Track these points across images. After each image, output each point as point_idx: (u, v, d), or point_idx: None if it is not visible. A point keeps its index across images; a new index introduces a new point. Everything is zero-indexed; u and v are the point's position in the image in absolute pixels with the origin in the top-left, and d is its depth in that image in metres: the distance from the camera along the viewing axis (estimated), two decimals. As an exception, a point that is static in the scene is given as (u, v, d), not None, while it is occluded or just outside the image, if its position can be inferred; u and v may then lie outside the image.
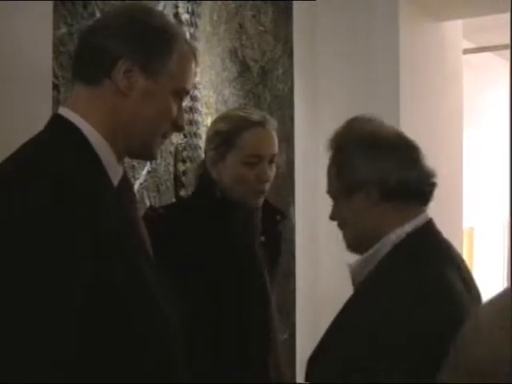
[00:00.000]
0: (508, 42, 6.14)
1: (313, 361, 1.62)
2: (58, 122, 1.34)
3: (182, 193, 2.76)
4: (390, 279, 1.49)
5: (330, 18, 3.43)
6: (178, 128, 1.45)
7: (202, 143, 2.89)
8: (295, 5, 3.51)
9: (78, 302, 1.15)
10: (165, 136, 1.45)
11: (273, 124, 2.16)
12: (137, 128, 1.36)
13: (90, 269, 1.16)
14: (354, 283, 1.66)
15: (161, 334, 1.30)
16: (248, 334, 2.02)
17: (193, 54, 1.44)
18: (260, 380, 2.05)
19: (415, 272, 1.47)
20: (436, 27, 3.74)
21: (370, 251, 1.58)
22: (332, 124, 3.52)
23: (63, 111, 1.35)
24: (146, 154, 1.45)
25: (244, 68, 3.20)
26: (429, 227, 1.59)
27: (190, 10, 2.83)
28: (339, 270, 3.43)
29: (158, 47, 1.36)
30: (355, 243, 1.65)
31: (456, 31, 4.04)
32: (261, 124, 2.10)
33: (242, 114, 2.14)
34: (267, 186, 2.14)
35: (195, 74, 1.47)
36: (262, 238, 2.17)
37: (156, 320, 1.29)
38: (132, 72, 1.33)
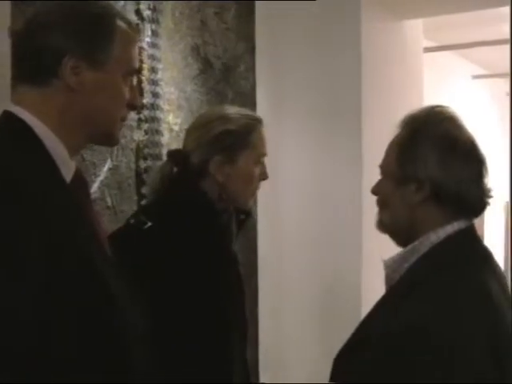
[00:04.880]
0: (467, 40, 6.23)
1: (341, 360, 1.59)
2: (7, 120, 1.31)
3: (144, 190, 2.73)
4: (429, 285, 1.46)
5: (292, 15, 3.43)
6: (133, 107, 1.45)
7: (163, 140, 2.88)
8: (258, 3, 3.51)
9: (29, 304, 1.13)
10: (124, 119, 1.44)
11: None
12: (94, 120, 1.35)
13: (40, 269, 1.14)
14: (387, 280, 1.63)
15: (118, 334, 1.28)
16: (229, 332, 1.99)
17: (133, 30, 1.42)
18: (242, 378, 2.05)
19: (456, 278, 1.45)
20: (397, 26, 3.77)
21: (408, 248, 1.55)
22: (294, 121, 3.54)
23: (14, 109, 1.32)
24: (109, 141, 1.45)
25: (206, 65, 3.19)
26: (469, 232, 1.56)
27: (151, 6, 2.81)
28: (303, 268, 3.46)
29: (99, 37, 1.34)
30: (390, 228, 1.63)
31: (417, 30, 4.08)
32: (262, 122, 2.09)
33: (241, 112, 2.09)
34: None
35: (140, 49, 1.44)
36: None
37: (113, 319, 1.27)
38: (79, 67, 1.31)
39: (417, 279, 1.50)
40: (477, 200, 1.55)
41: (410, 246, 1.55)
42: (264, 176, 2.08)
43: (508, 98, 9.87)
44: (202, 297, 1.89)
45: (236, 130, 2.00)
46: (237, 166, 2.01)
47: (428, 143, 1.53)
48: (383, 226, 1.64)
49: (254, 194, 2.11)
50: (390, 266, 1.60)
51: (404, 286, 1.52)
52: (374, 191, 1.67)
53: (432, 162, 1.52)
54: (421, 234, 1.54)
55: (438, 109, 1.61)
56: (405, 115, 1.64)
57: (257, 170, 2.04)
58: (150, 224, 1.88)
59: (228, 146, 1.99)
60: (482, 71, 8.42)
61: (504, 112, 9.10)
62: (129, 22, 1.41)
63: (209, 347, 1.90)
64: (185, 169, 2.01)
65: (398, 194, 1.57)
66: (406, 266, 1.54)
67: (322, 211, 3.36)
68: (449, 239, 1.52)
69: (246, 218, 2.16)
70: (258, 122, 2.07)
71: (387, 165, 1.62)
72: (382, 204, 1.63)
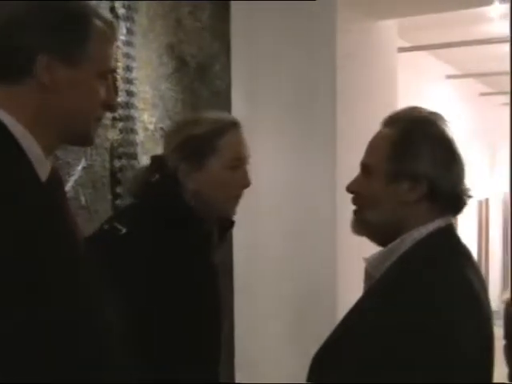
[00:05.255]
0: (441, 40, 6.27)
1: (320, 360, 1.57)
2: None
3: (119, 190, 2.72)
4: (411, 281, 1.46)
5: (268, 16, 3.43)
6: (109, 108, 1.43)
7: (138, 139, 2.86)
8: (233, 2, 3.50)
9: (1, 305, 1.11)
10: (99, 119, 1.42)
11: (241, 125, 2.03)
12: (69, 119, 1.33)
13: (14, 268, 1.13)
14: (368, 277, 1.61)
15: (93, 334, 1.27)
16: (201, 356, 1.92)
17: (110, 29, 1.40)
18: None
19: (442, 274, 1.45)
20: (372, 26, 3.79)
21: (390, 246, 1.54)
22: (269, 121, 3.53)
23: None
24: (84, 141, 1.43)
25: (181, 64, 3.18)
26: (450, 229, 1.57)
27: (126, 4, 2.79)
28: (278, 267, 3.46)
29: (75, 35, 1.32)
30: (375, 227, 1.59)
31: (391, 30, 4.10)
32: (236, 125, 1.98)
33: (213, 116, 1.98)
34: None
35: (117, 48, 1.43)
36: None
37: (89, 319, 1.27)
38: (52, 65, 1.30)
39: (401, 276, 1.50)
40: (463, 197, 1.57)
41: (391, 244, 1.54)
42: (244, 182, 1.97)
43: (481, 99, 9.97)
44: (174, 310, 1.82)
45: (202, 135, 1.91)
46: (205, 172, 1.91)
47: (426, 142, 1.54)
48: (367, 224, 1.60)
49: (232, 201, 1.98)
50: (371, 264, 1.59)
51: (387, 283, 1.52)
52: (352, 189, 1.63)
53: (430, 160, 1.52)
54: (404, 232, 1.53)
55: (424, 109, 1.62)
56: (389, 114, 1.64)
57: (230, 176, 1.93)
58: (124, 231, 1.81)
59: (193, 151, 1.91)
60: (455, 71, 8.50)
61: (476, 112, 9.20)
62: (107, 21, 1.40)
63: (178, 360, 1.84)
64: (161, 175, 1.93)
65: (389, 192, 1.55)
66: (388, 263, 1.54)
67: (296, 210, 3.37)
68: (431, 237, 1.52)
69: (229, 227, 2.07)
70: (230, 125, 1.96)
71: (375, 162, 1.59)
72: (369, 202, 1.59)
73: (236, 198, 1.99)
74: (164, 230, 1.85)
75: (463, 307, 1.40)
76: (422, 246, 1.52)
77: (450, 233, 1.57)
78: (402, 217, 1.54)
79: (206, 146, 1.91)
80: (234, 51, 3.51)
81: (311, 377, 1.56)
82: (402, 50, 5.08)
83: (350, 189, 1.64)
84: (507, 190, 12.58)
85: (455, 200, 1.57)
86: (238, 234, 3.33)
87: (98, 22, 1.36)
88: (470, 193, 1.59)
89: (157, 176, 1.93)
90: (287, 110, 3.41)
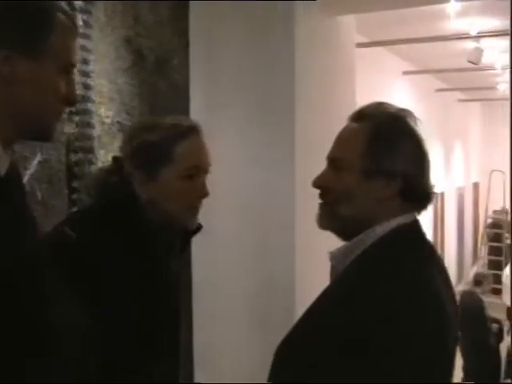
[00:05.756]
0: (399, 37, 6.33)
1: (280, 357, 1.55)
2: None
3: (75, 184, 2.69)
4: (371, 277, 1.46)
5: (227, 12, 3.42)
6: (70, 103, 1.41)
7: (95, 133, 2.83)
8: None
9: None
10: (59, 114, 1.40)
11: (202, 130, 1.90)
12: (28, 113, 1.32)
13: None
14: (333, 271, 1.60)
15: (50, 332, 1.26)
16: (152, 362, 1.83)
17: (73, 24, 1.39)
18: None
19: (405, 269, 1.46)
20: (330, 22, 3.80)
21: (355, 240, 1.54)
22: (228, 116, 3.52)
23: None
24: (43, 136, 1.41)
25: (139, 57, 3.15)
26: (415, 225, 1.58)
27: (83, -4, 2.76)
28: (236, 264, 3.46)
29: (36, 28, 1.31)
30: (345, 223, 1.57)
31: (350, 26, 4.12)
32: (195, 131, 1.85)
33: (171, 121, 1.85)
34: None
35: (78, 45, 1.41)
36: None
37: (46, 318, 1.25)
38: (13, 58, 1.28)
39: (363, 270, 1.50)
40: (429, 195, 1.59)
41: (356, 238, 1.54)
42: (202, 192, 1.86)
43: (437, 94, 10.10)
44: (129, 316, 1.74)
45: (156, 142, 1.79)
46: (160, 182, 1.80)
47: (401, 139, 1.55)
48: (337, 219, 1.57)
49: (190, 212, 1.87)
50: (336, 257, 1.59)
51: (350, 277, 1.52)
52: (320, 184, 1.60)
53: (404, 157, 1.53)
54: (370, 227, 1.54)
55: (391, 105, 1.63)
56: (357, 109, 1.63)
57: (186, 186, 1.82)
58: (75, 236, 1.71)
59: (147, 160, 1.80)
60: (412, 67, 8.60)
61: (431, 107, 9.32)
62: (69, 16, 1.38)
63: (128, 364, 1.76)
64: (119, 178, 1.83)
65: (363, 187, 1.54)
66: (352, 257, 1.54)
67: (255, 207, 3.37)
68: (394, 232, 1.53)
69: (195, 232, 1.98)
70: (187, 131, 1.84)
71: (348, 157, 1.56)
72: (340, 197, 1.56)
73: (194, 208, 1.87)
74: (115, 233, 1.75)
75: (421, 305, 1.41)
76: (385, 242, 1.52)
77: (414, 229, 1.57)
78: (373, 212, 1.54)
79: (161, 155, 1.79)
80: (192, 46, 3.49)
81: (272, 376, 1.54)
82: (360, 45, 5.11)
83: (317, 183, 1.61)
84: (461, 184, 12.78)
85: (424, 196, 1.58)
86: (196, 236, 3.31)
87: (60, 17, 1.35)
88: (435, 189, 1.60)
89: (114, 179, 1.84)
90: (245, 106, 3.41)
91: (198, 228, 1.97)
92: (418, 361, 1.37)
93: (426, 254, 1.56)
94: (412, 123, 1.59)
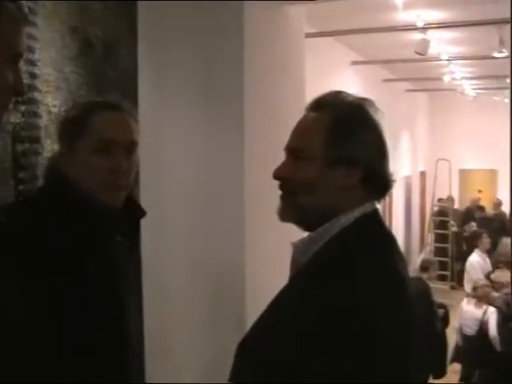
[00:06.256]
0: (347, 27, 6.38)
1: (240, 355, 1.53)
2: None
3: (22, 175, 2.64)
4: (345, 266, 1.45)
5: (175, 1, 3.39)
6: (18, 93, 1.38)
7: (41, 122, 2.79)
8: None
9: None
10: (6, 105, 1.37)
11: (130, 110, 1.92)
12: None
13: None
14: (294, 262, 1.59)
15: None
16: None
17: (21, 12, 1.36)
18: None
19: (370, 258, 1.46)
20: (279, 11, 3.80)
21: (319, 230, 1.53)
22: (177, 105, 3.50)
23: None
24: None
25: (86, 45, 3.10)
26: (375, 214, 1.57)
27: (28, -17, 2.70)
28: (187, 255, 3.45)
29: None
30: (307, 214, 1.55)
31: (299, 16, 4.12)
32: (114, 107, 1.86)
33: (94, 99, 1.92)
34: (126, 180, 1.87)
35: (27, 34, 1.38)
36: (118, 238, 1.91)
37: None
38: None
39: (328, 261, 1.49)
40: (389, 183, 1.59)
41: (321, 228, 1.53)
42: (117, 167, 1.81)
43: (385, 84, 10.21)
44: (66, 306, 1.68)
45: (74, 116, 1.83)
46: (76, 156, 1.81)
47: (362, 128, 1.55)
48: (299, 210, 1.56)
49: (108, 189, 1.83)
50: (299, 248, 1.57)
51: (314, 268, 1.51)
52: (280, 174, 1.58)
53: (365, 145, 1.53)
54: (333, 217, 1.53)
55: (349, 94, 1.65)
56: (315, 99, 1.62)
57: (99, 160, 1.80)
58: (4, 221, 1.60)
59: (65, 134, 1.84)
60: (360, 57, 8.68)
61: (379, 97, 9.42)
62: (17, 4, 1.35)
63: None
64: (52, 163, 1.89)
65: (325, 177, 1.53)
66: (315, 248, 1.53)
67: (204, 199, 3.36)
68: (357, 222, 1.52)
69: (139, 216, 1.98)
70: (105, 106, 1.85)
71: (309, 147, 1.55)
72: (302, 187, 1.54)
73: (110, 186, 1.83)
74: (51, 218, 1.74)
75: (386, 293, 1.42)
76: (349, 232, 1.51)
77: (376, 218, 1.57)
78: (335, 202, 1.53)
79: (76, 127, 1.81)
80: (140, 34, 3.45)
81: (233, 376, 1.52)
82: (308, 35, 5.13)
83: (277, 174, 1.59)
84: (408, 173, 12.97)
85: (385, 185, 1.58)
86: (145, 226, 3.30)
87: (8, 5, 1.31)
88: (394, 177, 1.60)
89: (51, 163, 1.90)
90: (195, 95, 3.39)
91: (142, 214, 2.01)
92: (387, 348, 1.39)
93: (388, 243, 1.56)
94: (372, 112, 1.60)
